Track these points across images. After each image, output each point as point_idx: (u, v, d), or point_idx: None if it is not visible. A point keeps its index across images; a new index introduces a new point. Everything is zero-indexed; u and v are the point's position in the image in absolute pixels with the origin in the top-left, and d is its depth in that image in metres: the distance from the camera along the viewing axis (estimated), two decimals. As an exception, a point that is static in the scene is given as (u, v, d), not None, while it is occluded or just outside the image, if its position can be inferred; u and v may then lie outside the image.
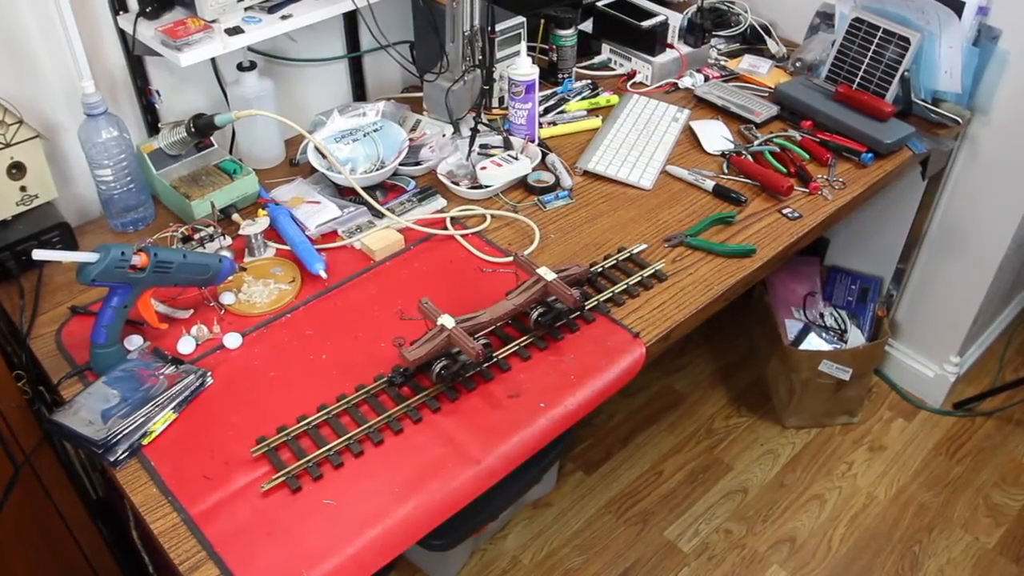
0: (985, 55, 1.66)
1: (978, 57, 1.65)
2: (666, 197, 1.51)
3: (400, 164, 1.50)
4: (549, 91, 1.77)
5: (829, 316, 2.07)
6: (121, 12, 1.37)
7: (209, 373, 1.15)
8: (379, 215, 1.42)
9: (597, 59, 1.91)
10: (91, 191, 1.43)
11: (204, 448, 1.06)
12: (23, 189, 1.30)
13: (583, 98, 1.76)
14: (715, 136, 1.65)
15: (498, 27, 1.60)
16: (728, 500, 1.97)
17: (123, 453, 1.04)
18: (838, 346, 1.98)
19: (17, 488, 1.24)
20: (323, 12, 1.44)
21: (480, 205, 1.48)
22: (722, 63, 1.89)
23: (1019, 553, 1.86)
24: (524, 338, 1.21)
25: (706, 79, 1.82)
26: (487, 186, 1.48)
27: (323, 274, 1.31)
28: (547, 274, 1.21)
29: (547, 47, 1.78)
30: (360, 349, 1.20)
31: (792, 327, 2.03)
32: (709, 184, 1.51)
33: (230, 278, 1.25)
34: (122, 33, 1.38)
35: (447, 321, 1.12)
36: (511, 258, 1.34)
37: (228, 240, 1.34)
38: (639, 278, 1.30)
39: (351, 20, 1.67)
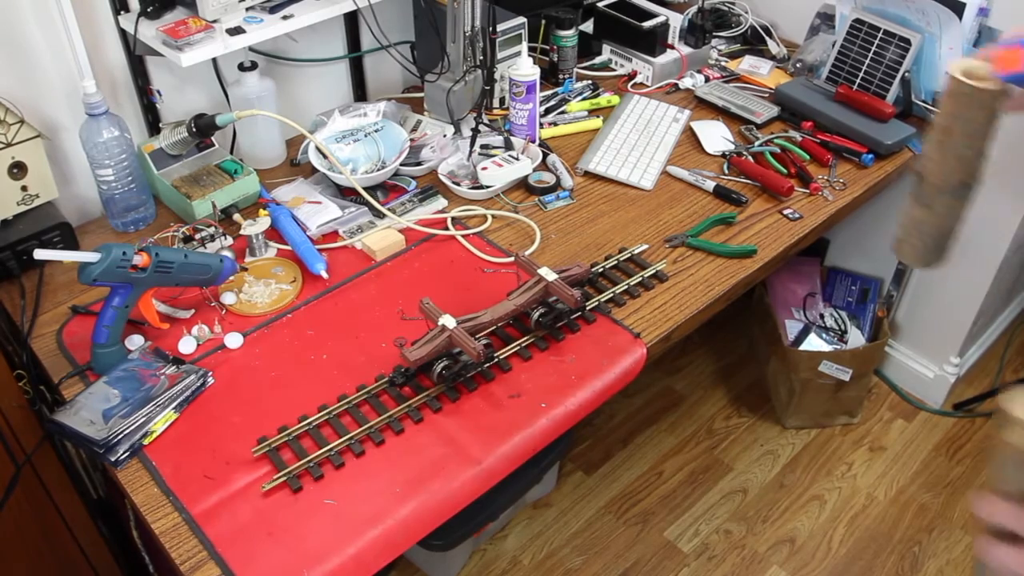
0: (986, 56, 1.66)
1: (979, 58, 1.65)
2: (667, 198, 1.51)
3: (401, 164, 1.50)
4: (550, 91, 1.77)
5: (829, 317, 2.07)
6: (122, 12, 1.37)
7: (210, 373, 1.15)
8: (380, 215, 1.42)
9: (598, 59, 1.91)
10: (92, 191, 1.43)
11: (205, 448, 1.06)
12: (24, 189, 1.30)
13: (584, 98, 1.77)
14: (716, 137, 1.65)
15: (499, 27, 1.61)
16: (728, 500, 1.97)
17: (124, 453, 1.04)
18: (838, 347, 1.98)
19: (18, 488, 1.24)
20: (324, 12, 1.45)
21: (481, 205, 1.48)
22: (723, 64, 1.89)
23: (1019, 554, 1.86)
24: (525, 338, 1.21)
25: (707, 80, 1.82)
26: (488, 186, 1.48)
27: (324, 274, 1.32)
28: (548, 274, 1.21)
29: (548, 47, 1.79)
30: (361, 349, 1.20)
31: (792, 327, 2.04)
32: (710, 185, 1.51)
33: (231, 278, 1.25)
34: (123, 33, 1.39)
35: (448, 321, 1.12)
36: (512, 258, 1.34)
37: (229, 240, 1.34)
38: (640, 279, 1.30)
39: (352, 20, 1.67)
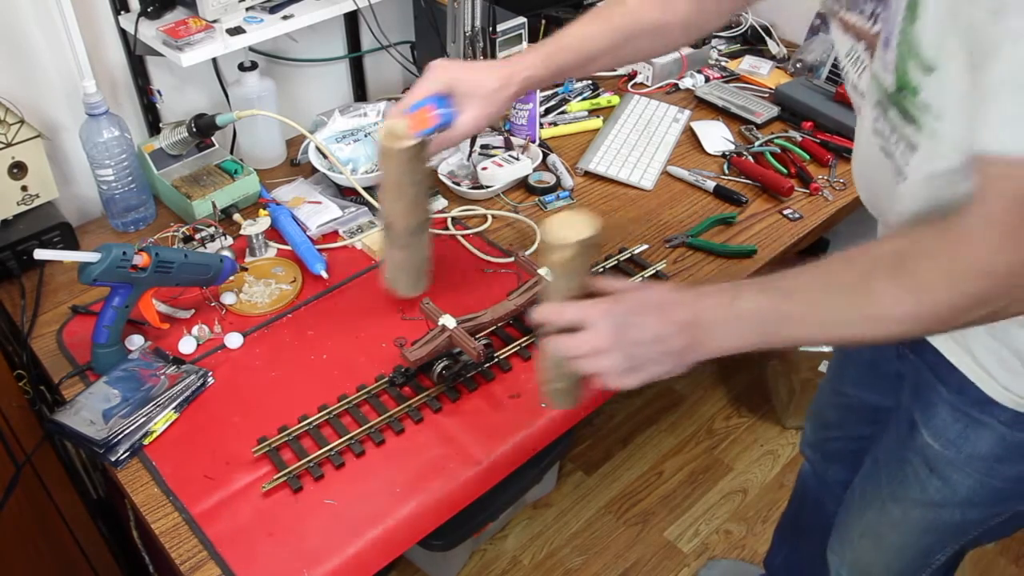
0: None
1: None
2: (667, 198, 1.51)
3: (401, 164, 1.50)
4: (550, 91, 1.77)
5: (829, 317, 2.07)
6: (122, 12, 1.37)
7: (210, 373, 1.15)
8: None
9: (598, 60, 1.91)
10: (92, 191, 1.43)
11: (205, 448, 1.06)
12: (24, 189, 1.30)
13: (584, 99, 1.77)
14: (716, 137, 1.65)
15: (499, 27, 1.60)
16: (728, 500, 1.97)
17: (124, 453, 1.04)
18: (838, 347, 1.98)
19: (18, 488, 1.24)
20: (324, 12, 1.45)
21: (481, 205, 1.48)
22: (723, 64, 1.89)
23: (1019, 554, 1.86)
24: (525, 338, 1.21)
25: (707, 80, 1.83)
26: (488, 186, 1.48)
27: (324, 274, 1.32)
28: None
29: (548, 47, 1.78)
30: (361, 349, 1.20)
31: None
32: (710, 185, 1.51)
33: (231, 278, 1.25)
34: (123, 33, 1.39)
35: (448, 321, 1.12)
36: (512, 258, 1.34)
37: (229, 240, 1.34)
38: (640, 279, 1.30)
39: (352, 20, 1.67)
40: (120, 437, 1.05)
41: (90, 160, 1.34)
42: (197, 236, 1.31)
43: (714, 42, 1.93)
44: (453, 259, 1.37)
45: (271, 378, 1.16)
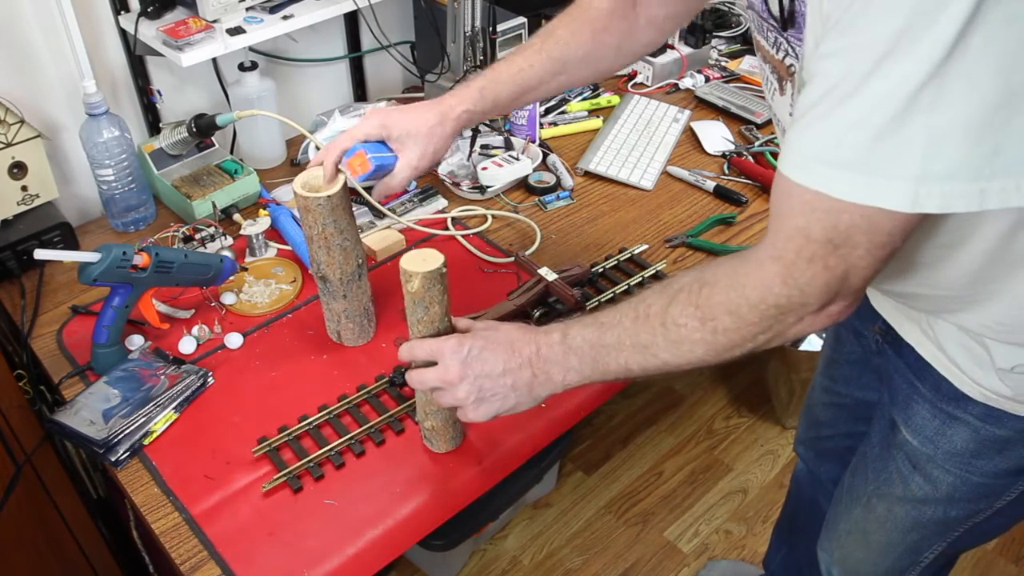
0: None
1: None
2: (667, 198, 1.51)
3: (401, 164, 1.50)
4: (550, 91, 1.77)
5: (829, 317, 2.07)
6: (123, 12, 1.37)
7: (210, 373, 1.15)
8: (380, 215, 1.42)
9: (598, 60, 1.91)
10: (92, 191, 1.43)
11: (205, 448, 1.06)
12: (24, 189, 1.30)
13: (584, 99, 1.77)
14: (716, 137, 1.65)
15: (499, 27, 1.60)
16: (728, 500, 1.97)
17: (124, 453, 1.04)
18: (838, 347, 1.98)
19: (18, 488, 1.24)
20: (324, 12, 1.45)
21: (481, 205, 1.48)
22: (723, 64, 1.89)
23: (1019, 554, 1.86)
24: (525, 338, 1.20)
25: (707, 80, 1.83)
26: (488, 186, 1.48)
27: (324, 274, 1.31)
28: (548, 274, 1.21)
29: (548, 48, 1.78)
30: (361, 349, 1.20)
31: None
32: (710, 185, 1.51)
33: (231, 278, 1.25)
34: (123, 33, 1.39)
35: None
36: (512, 258, 1.34)
37: (229, 240, 1.34)
38: (640, 279, 1.30)
39: (352, 20, 1.67)
40: (120, 437, 1.05)
41: (90, 160, 1.34)
42: (197, 236, 1.31)
43: (714, 42, 1.93)
44: (453, 259, 1.37)
45: (271, 378, 1.16)
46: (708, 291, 0.74)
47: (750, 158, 1.59)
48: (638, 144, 1.61)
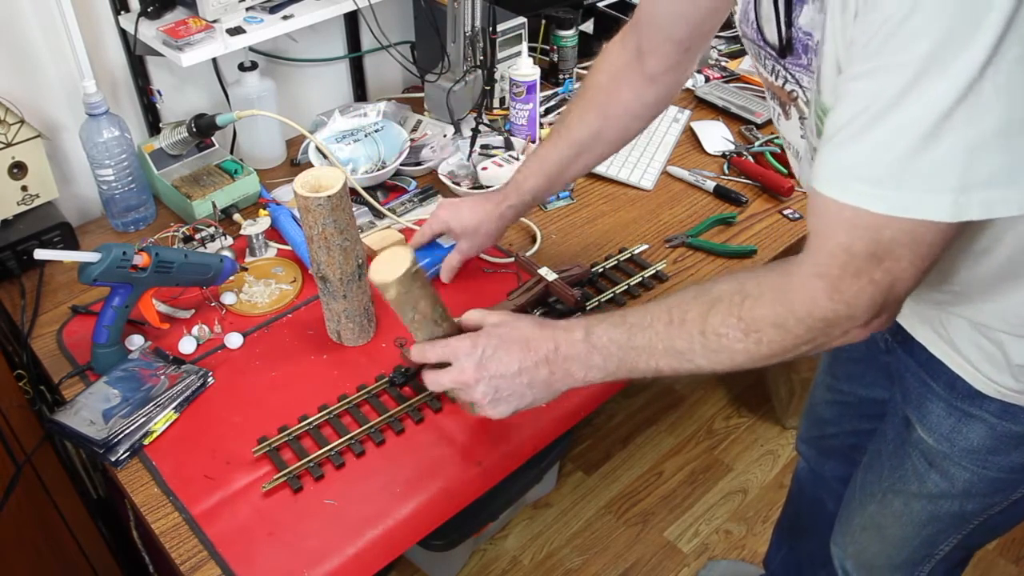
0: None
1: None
2: (667, 198, 1.51)
3: (401, 164, 1.50)
4: (550, 91, 1.77)
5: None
6: (123, 12, 1.37)
7: (210, 373, 1.15)
8: (380, 215, 1.42)
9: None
10: (92, 191, 1.43)
11: (205, 448, 1.06)
12: (24, 189, 1.30)
13: (584, 99, 1.76)
14: (716, 137, 1.65)
15: (499, 28, 1.61)
16: (728, 500, 1.97)
17: (124, 453, 1.04)
18: (838, 347, 1.98)
19: (18, 488, 1.24)
20: (324, 12, 1.45)
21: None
22: (723, 64, 1.89)
23: (1019, 554, 1.87)
24: (525, 338, 1.20)
25: (707, 80, 1.82)
26: (488, 186, 1.48)
27: (324, 274, 1.31)
28: (548, 274, 1.21)
29: (548, 48, 1.79)
30: (361, 349, 1.20)
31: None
32: (710, 185, 1.51)
33: (231, 278, 1.25)
34: (123, 33, 1.39)
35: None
36: (512, 258, 1.34)
37: (229, 240, 1.34)
38: (640, 279, 1.30)
39: (352, 20, 1.67)
40: (120, 437, 1.05)
41: (90, 160, 1.34)
42: (197, 236, 1.31)
43: (714, 42, 1.93)
44: (453, 259, 1.37)
45: (271, 378, 1.16)
46: (751, 304, 0.74)
47: (750, 158, 1.59)
48: (638, 144, 1.61)
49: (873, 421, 1.13)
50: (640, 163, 1.57)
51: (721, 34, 1.95)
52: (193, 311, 1.26)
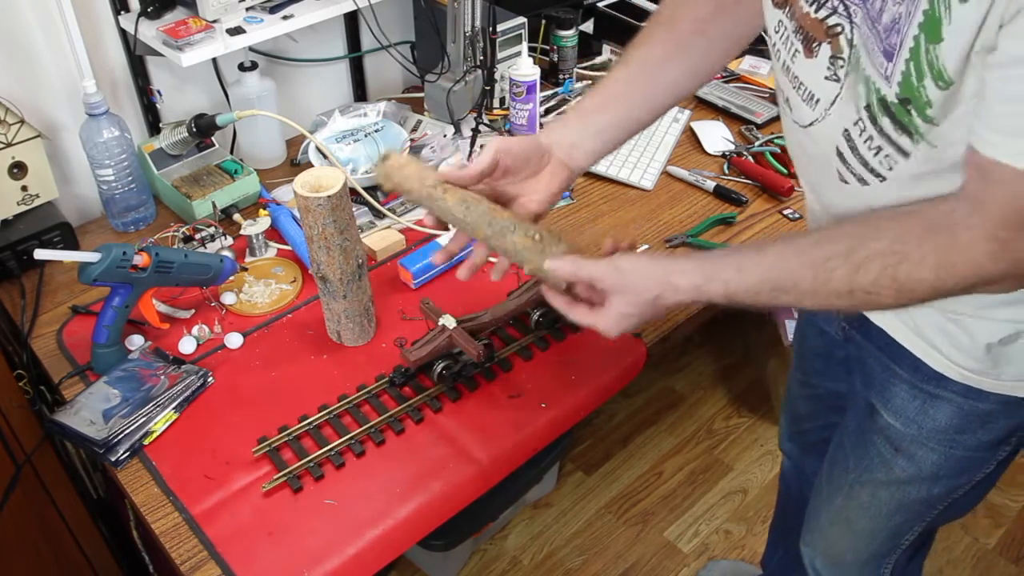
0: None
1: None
2: (667, 198, 1.51)
3: (401, 164, 1.50)
4: (550, 92, 1.77)
5: (829, 317, 2.07)
6: (123, 12, 1.37)
7: (210, 373, 1.15)
8: (380, 215, 1.42)
9: (598, 60, 1.91)
10: (92, 191, 1.43)
11: (205, 448, 1.06)
12: (24, 189, 1.30)
13: (584, 99, 1.76)
14: (716, 137, 1.65)
15: (499, 28, 1.60)
16: (728, 501, 1.97)
17: (124, 453, 1.04)
18: (838, 347, 1.98)
19: (18, 488, 1.24)
20: (324, 12, 1.45)
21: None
22: (723, 64, 1.89)
23: (1019, 554, 1.87)
24: (525, 338, 1.21)
25: (707, 80, 1.82)
26: (488, 186, 1.48)
27: (324, 274, 1.31)
28: (449, 322, 1.20)
29: (548, 48, 1.78)
30: (361, 349, 1.20)
31: (792, 327, 2.03)
32: (710, 185, 1.51)
33: (231, 278, 1.25)
34: (123, 33, 1.39)
35: (448, 321, 1.12)
36: (512, 258, 1.34)
37: (229, 240, 1.34)
38: (640, 279, 1.30)
39: (352, 20, 1.67)
40: (120, 437, 1.05)
41: (90, 160, 1.34)
42: (197, 236, 1.31)
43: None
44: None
45: (271, 378, 1.16)
46: (910, 268, 0.72)
47: (750, 158, 1.59)
48: (638, 144, 1.61)
49: (841, 414, 1.14)
50: (640, 163, 1.57)
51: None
52: (193, 311, 1.26)
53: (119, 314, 1.13)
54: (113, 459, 1.04)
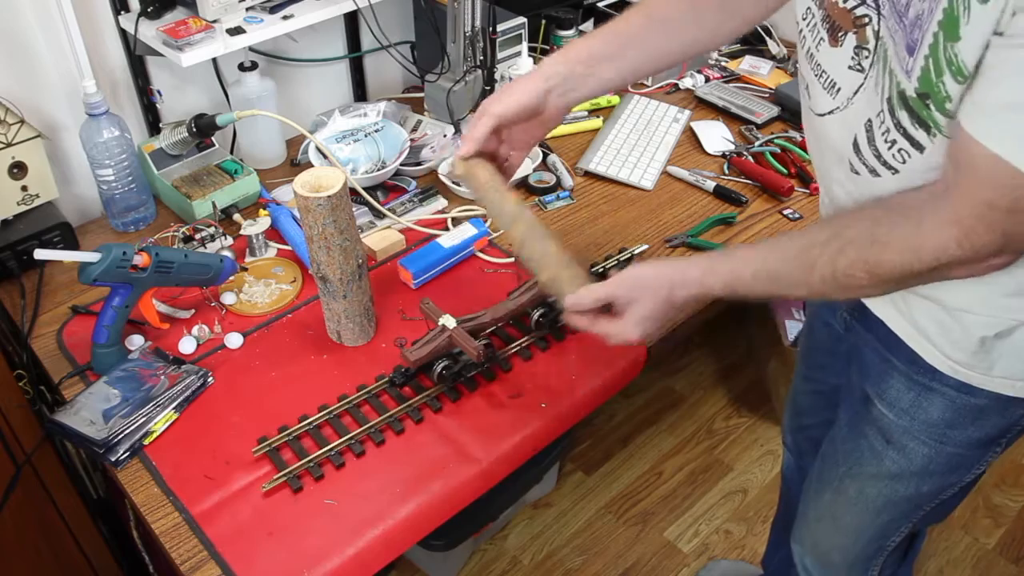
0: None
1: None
2: (667, 198, 1.51)
3: (401, 164, 1.50)
4: (550, 91, 1.77)
5: (829, 317, 2.07)
6: (122, 12, 1.37)
7: (210, 373, 1.15)
8: (380, 215, 1.42)
9: (598, 60, 1.91)
10: (92, 191, 1.43)
11: (205, 448, 1.06)
12: (24, 189, 1.30)
13: (584, 99, 1.76)
14: (716, 137, 1.65)
15: (499, 27, 1.60)
16: (728, 501, 1.97)
17: (124, 453, 1.04)
18: (838, 347, 1.98)
19: (18, 488, 1.24)
20: (324, 12, 1.45)
21: (481, 205, 1.48)
22: (723, 64, 1.89)
23: (1019, 554, 1.87)
24: (525, 338, 1.21)
25: (707, 80, 1.83)
26: (488, 186, 1.48)
27: (324, 274, 1.31)
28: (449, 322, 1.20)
29: (548, 48, 1.79)
30: (361, 349, 1.20)
31: (792, 328, 2.03)
32: (710, 185, 1.51)
33: (231, 278, 1.25)
34: (123, 33, 1.39)
35: (448, 321, 1.12)
36: (512, 258, 1.34)
37: (229, 240, 1.34)
38: (640, 279, 1.30)
39: (352, 20, 1.67)
40: (120, 437, 1.05)
41: (90, 160, 1.34)
42: (197, 236, 1.31)
43: (714, 42, 1.93)
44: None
45: (271, 378, 1.16)
46: (879, 250, 0.76)
47: (750, 158, 1.59)
48: (638, 144, 1.61)
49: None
50: (640, 163, 1.57)
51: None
52: (193, 311, 1.26)
53: (119, 314, 1.13)
54: (113, 459, 1.04)
